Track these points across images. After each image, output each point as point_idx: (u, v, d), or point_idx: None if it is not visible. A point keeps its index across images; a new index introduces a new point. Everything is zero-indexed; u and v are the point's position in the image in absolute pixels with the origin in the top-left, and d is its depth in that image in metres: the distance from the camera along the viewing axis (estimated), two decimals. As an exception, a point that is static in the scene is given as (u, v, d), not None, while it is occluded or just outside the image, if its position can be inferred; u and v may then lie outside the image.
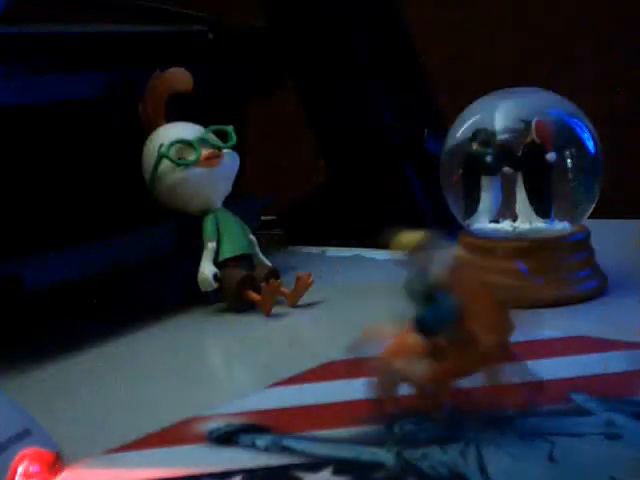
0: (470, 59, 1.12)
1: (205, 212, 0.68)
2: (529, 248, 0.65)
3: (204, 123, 0.69)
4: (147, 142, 0.69)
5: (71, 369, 0.57)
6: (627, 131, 1.07)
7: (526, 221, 0.66)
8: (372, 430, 0.43)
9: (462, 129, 0.67)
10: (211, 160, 0.67)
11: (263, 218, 0.81)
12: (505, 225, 0.67)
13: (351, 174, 0.86)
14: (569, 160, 0.66)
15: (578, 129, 0.66)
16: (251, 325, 0.64)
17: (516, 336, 0.55)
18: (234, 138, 0.69)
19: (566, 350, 0.52)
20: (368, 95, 0.85)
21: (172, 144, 0.67)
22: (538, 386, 0.43)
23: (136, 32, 0.75)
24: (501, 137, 0.66)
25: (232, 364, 0.61)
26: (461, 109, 0.69)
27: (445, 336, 0.43)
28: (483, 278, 0.47)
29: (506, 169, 0.66)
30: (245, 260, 0.68)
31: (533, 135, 0.65)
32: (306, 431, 0.43)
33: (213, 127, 0.69)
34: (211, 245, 0.67)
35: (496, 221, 0.67)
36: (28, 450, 0.38)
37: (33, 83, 0.63)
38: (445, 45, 1.11)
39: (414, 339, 0.44)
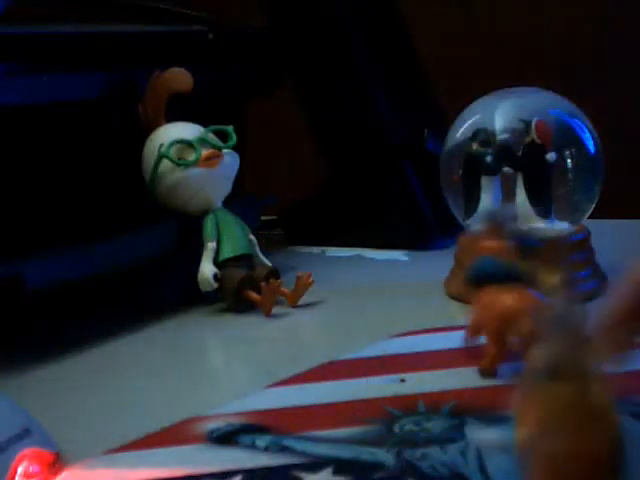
0: (470, 59, 1.12)
1: (205, 212, 0.68)
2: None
3: (204, 123, 0.69)
4: (147, 142, 0.69)
5: (71, 369, 0.57)
6: (627, 131, 1.07)
7: (526, 221, 0.66)
8: (372, 430, 0.43)
9: (462, 129, 0.67)
10: (211, 160, 0.67)
11: (263, 218, 0.81)
12: (505, 225, 0.67)
13: (351, 174, 0.86)
14: (569, 160, 0.66)
15: (578, 129, 0.66)
16: (251, 325, 0.64)
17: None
18: (234, 138, 0.69)
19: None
20: (368, 95, 0.85)
21: (172, 144, 0.67)
22: None
23: (136, 32, 0.75)
24: (501, 137, 0.66)
25: (232, 364, 0.61)
26: (461, 109, 0.69)
27: None
28: None
29: (506, 169, 0.66)
30: (245, 260, 0.68)
31: (533, 135, 0.65)
32: (306, 431, 0.43)
33: (213, 127, 0.69)
34: (211, 245, 0.67)
35: (496, 221, 0.67)
36: (28, 450, 0.38)
37: (33, 83, 0.63)
38: (445, 45, 1.11)
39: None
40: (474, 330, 0.50)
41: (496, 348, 0.49)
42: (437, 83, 0.91)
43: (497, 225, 0.49)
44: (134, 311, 0.68)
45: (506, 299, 0.48)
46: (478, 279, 0.50)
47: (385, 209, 0.85)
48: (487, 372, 0.49)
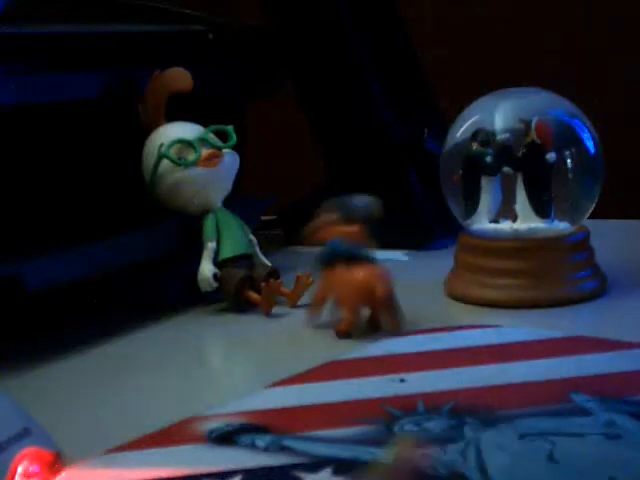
0: (470, 59, 1.12)
1: (205, 212, 0.68)
2: (529, 248, 0.65)
3: (204, 123, 0.69)
4: (147, 142, 0.69)
5: (71, 369, 0.57)
6: (627, 131, 1.07)
7: (526, 221, 0.66)
8: (372, 430, 0.43)
9: (462, 129, 0.67)
10: (211, 160, 0.67)
11: (263, 218, 0.81)
12: (505, 225, 0.67)
13: (351, 174, 0.86)
14: (569, 160, 0.66)
15: (578, 129, 0.66)
16: (251, 325, 0.64)
17: (516, 336, 0.55)
18: (234, 138, 0.69)
19: (566, 350, 0.53)
20: (368, 95, 0.85)
21: (172, 144, 0.67)
22: None
23: (136, 32, 0.75)
24: (501, 137, 0.66)
25: (232, 364, 0.61)
26: (461, 109, 0.69)
27: None
28: None
29: (506, 169, 0.66)
30: (245, 260, 0.68)
31: (533, 135, 0.65)
32: (306, 431, 0.43)
33: (213, 127, 0.69)
34: (211, 245, 0.67)
35: (496, 221, 0.67)
36: (28, 450, 0.38)
37: (33, 83, 0.63)
38: (445, 45, 1.11)
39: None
40: (318, 303, 0.61)
41: (352, 315, 0.59)
42: (437, 83, 0.91)
43: (346, 213, 0.60)
44: (134, 311, 0.68)
45: (360, 274, 0.58)
46: (330, 259, 0.59)
47: (385, 209, 0.84)
48: (344, 335, 0.59)
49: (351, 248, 0.59)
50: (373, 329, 0.59)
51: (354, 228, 0.60)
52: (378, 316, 0.60)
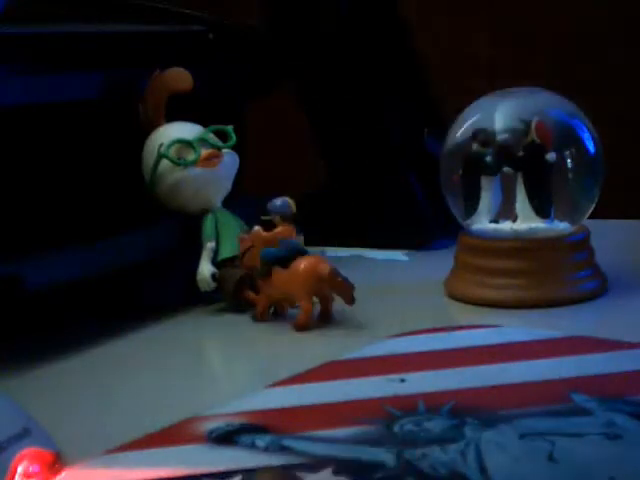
0: (470, 59, 1.12)
1: (205, 212, 0.68)
2: (529, 248, 0.65)
3: (204, 123, 0.69)
4: (147, 142, 0.69)
5: (71, 369, 0.57)
6: (627, 131, 1.07)
7: (526, 221, 0.66)
8: (372, 430, 0.43)
9: (462, 129, 0.67)
10: (211, 160, 0.67)
11: (263, 218, 0.80)
12: (505, 225, 0.67)
13: (351, 174, 0.86)
14: (569, 160, 0.66)
15: (578, 129, 0.66)
16: (251, 325, 0.64)
17: (516, 336, 0.55)
18: (234, 138, 0.69)
19: (566, 350, 0.53)
20: (368, 95, 0.85)
21: (172, 144, 0.67)
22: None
23: (136, 32, 0.75)
24: (501, 137, 0.66)
25: (232, 364, 0.61)
26: (461, 109, 0.69)
27: None
28: None
29: (506, 169, 0.66)
30: (245, 260, 0.67)
31: (533, 135, 0.65)
32: (306, 431, 0.43)
33: (213, 127, 0.69)
34: (210, 245, 0.67)
35: (496, 221, 0.67)
36: (28, 450, 0.38)
37: (33, 83, 0.63)
38: (445, 45, 1.11)
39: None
40: (264, 309, 0.63)
41: (308, 305, 0.60)
42: (437, 83, 0.91)
43: (282, 214, 0.64)
44: (134, 311, 0.67)
45: (300, 265, 0.61)
46: (268, 265, 0.62)
47: (385, 209, 0.85)
48: (304, 326, 0.61)
49: (282, 248, 0.62)
50: (326, 319, 0.62)
51: (280, 229, 0.63)
52: (329, 305, 0.62)
